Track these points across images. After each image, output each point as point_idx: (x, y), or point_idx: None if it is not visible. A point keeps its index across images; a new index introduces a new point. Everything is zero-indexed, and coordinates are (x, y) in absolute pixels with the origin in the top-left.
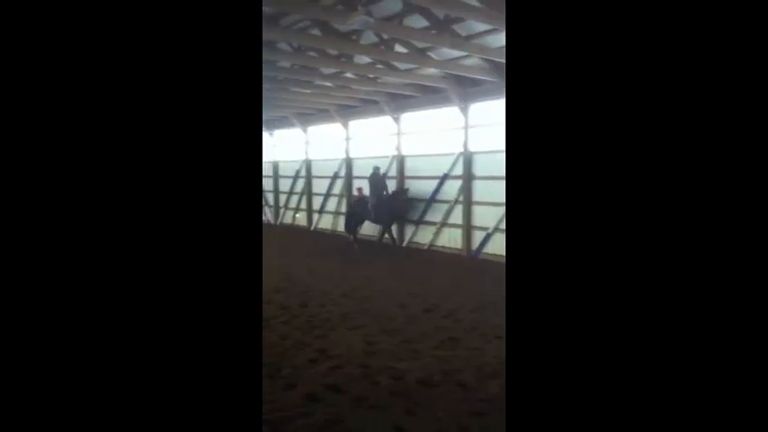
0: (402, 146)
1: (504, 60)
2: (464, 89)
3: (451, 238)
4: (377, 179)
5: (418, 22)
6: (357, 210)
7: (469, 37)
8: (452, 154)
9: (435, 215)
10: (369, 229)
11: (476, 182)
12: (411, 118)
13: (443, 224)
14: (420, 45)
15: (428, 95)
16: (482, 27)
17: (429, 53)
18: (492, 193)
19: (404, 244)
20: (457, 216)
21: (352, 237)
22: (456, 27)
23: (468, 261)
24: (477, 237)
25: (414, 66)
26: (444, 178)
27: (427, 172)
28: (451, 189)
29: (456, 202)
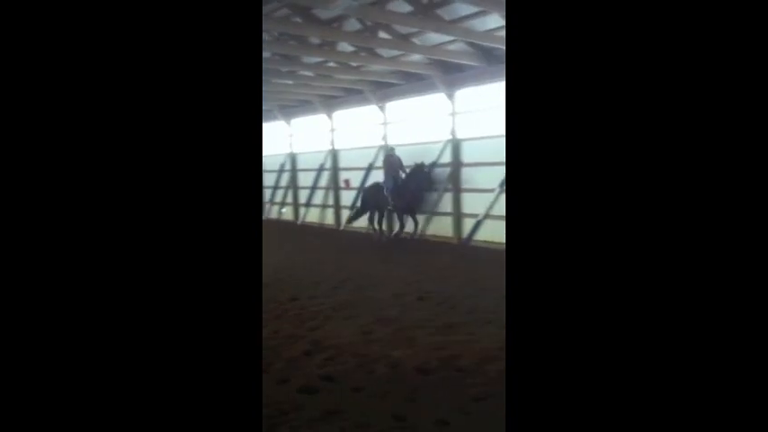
0: (389, 135)
1: (489, 44)
2: (450, 75)
3: (441, 227)
4: (393, 162)
5: (402, 6)
6: (370, 198)
7: (454, 21)
8: (440, 141)
9: (424, 204)
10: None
11: (464, 169)
12: (397, 106)
13: (433, 213)
14: (404, 31)
15: (413, 83)
16: (467, 10)
17: (413, 39)
18: (481, 179)
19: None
20: (446, 204)
21: (372, 230)
22: (440, 11)
23: (459, 248)
24: (467, 224)
25: (398, 52)
26: (432, 166)
27: (415, 161)
28: (439, 177)
29: (445, 190)
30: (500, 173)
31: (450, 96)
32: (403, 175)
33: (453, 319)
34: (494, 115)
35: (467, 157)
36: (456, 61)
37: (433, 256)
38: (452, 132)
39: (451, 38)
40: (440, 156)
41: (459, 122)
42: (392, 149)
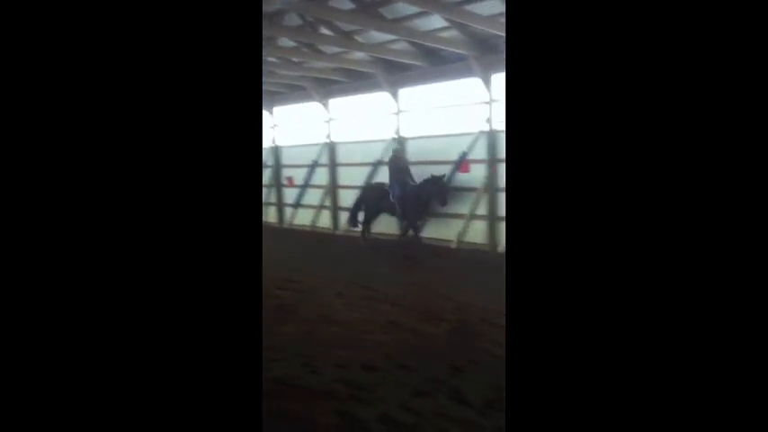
0: (333, 132)
1: (431, 44)
2: (393, 74)
3: (388, 225)
4: (400, 164)
5: (343, 3)
6: (370, 200)
7: (397, 20)
8: (384, 140)
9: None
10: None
11: (411, 168)
12: (340, 104)
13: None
14: (346, 28)
15: (356, 81)
16: (409, 10)
17: (356, 37)
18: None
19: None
20: None
21: (362, 234)
22: (382, 10)
23: (406, 246)
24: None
25: (341, 50)
26: (378, 165)
27: (360, 159)
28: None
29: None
30: (444, 171)
31: (394, 95)
32: (411, 182)
33: (399, 318)
34: (438, 115)
35: (412, 155)
36: (399, 60)
37: (379, 254)
38: (397, 131)
39: (394, 37)
40: (383, 153)
41: (404, 121)
42: (399, 149)
